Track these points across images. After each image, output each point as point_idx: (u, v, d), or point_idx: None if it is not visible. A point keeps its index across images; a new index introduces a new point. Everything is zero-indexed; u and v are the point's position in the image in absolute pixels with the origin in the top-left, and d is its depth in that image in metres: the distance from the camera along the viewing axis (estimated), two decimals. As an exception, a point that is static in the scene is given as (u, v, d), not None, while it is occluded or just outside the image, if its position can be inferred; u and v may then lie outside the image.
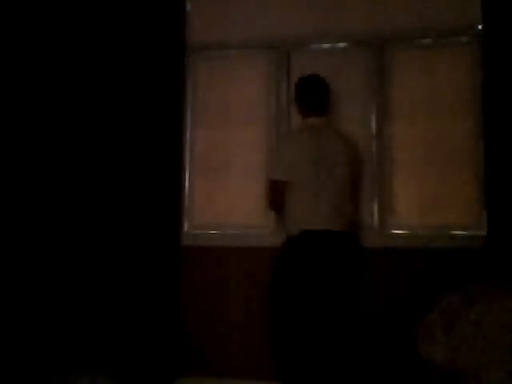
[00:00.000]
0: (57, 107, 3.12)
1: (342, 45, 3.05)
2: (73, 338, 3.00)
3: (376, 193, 2.90)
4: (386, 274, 2.76)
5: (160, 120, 2.98)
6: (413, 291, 2.70)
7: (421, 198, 2.88)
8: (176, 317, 2.90)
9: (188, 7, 3.13)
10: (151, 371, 2.86)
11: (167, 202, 2.96)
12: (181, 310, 2.91)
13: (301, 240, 2.39)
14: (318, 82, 2.66)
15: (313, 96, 2.63)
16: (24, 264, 2.99)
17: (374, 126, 2.94)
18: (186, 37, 3.06)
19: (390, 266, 2.76)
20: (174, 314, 2.89)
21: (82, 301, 3.00)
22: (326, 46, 3.06)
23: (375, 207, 2.90)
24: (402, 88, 2.94)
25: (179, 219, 3.01)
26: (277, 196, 2.51)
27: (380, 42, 2.97)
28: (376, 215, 2.89)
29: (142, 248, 2.92)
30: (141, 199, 2.95)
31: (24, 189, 3.04)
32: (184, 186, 3.09)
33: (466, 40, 2.91)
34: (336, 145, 2.53)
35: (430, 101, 2.90)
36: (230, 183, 3.08)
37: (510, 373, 1.73)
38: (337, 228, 2.42)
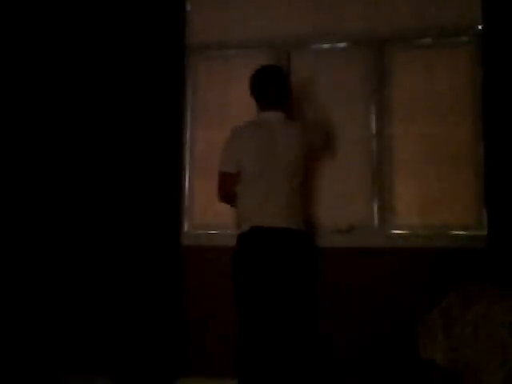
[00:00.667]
0: (57, 107, 3.12)
1: (341, 45, 3.05)
2: (73, 338, 3.01)
3: (376, 193, 2.90)
4: (386, 273, 2.76)
5: (160, 120, 2.98)
6: (413, 291, 2.70)
7: (421, 198, 2.88)
8: (176, 317, 2.90)
9: (188, 7, 3.13)
10: (151, 371, 2.86)
11: (167, 202, 2.96)
12: (181, 310, 2.91)
13: (251, 237, 2.34)
14: (276, 73, 2.49)
15: (270, 89, 2.45)
16: (25, 263, 2.99)
17: (373, 126, 2.94)
18: (186, 37, 3.07)
19: (390, 265, 2.77)
20: (174, 313, 2.90)
21: (83, 301, 3.01)
22: (326, 45, 3.06)
23: (375, 207, 2.90)
24: (402, 88, 2.94)
25: (179, 219, 3.01)
26: (226, 188, 2.44)
27: (380, 42, 2.97)
28: (376, 215, 2.89)
29: (143, 248, 2.92)
30: (141, 199, 2.95)
31: (25, 190, 3.04)
32: (184, 186, 3.09)
33: (466, 40, 2.91)
34: (290, 141, 2.39)
35: (430, 101, 2.90)
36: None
37: (509, 372, 1.73)
38: (287, 225, 2.34)
